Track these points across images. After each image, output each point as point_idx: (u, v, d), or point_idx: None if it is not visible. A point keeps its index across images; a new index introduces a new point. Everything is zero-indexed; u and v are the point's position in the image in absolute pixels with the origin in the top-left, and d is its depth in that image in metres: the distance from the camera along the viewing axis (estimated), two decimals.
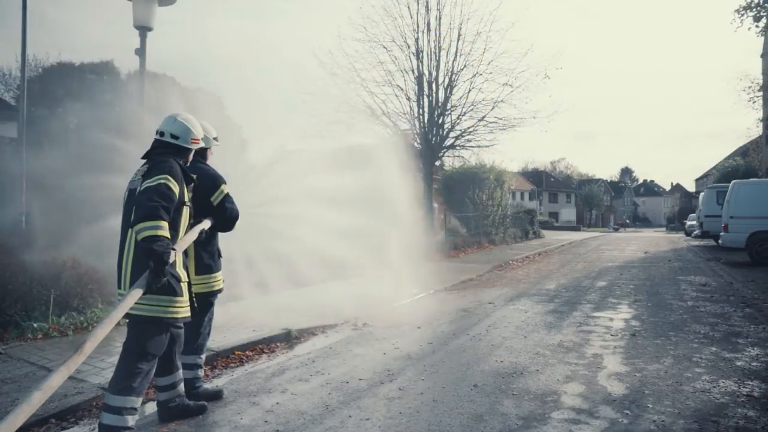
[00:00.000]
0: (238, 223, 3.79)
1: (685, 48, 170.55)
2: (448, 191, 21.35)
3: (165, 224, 2.95)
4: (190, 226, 3.37)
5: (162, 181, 3.04)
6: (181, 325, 3.29)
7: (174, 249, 3.01)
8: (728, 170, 30.49)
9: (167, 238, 2.94)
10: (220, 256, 3.87)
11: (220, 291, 3.88)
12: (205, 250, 3.70)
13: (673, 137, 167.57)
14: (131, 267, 3.08)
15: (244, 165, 7.21)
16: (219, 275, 3.84)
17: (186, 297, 3.24)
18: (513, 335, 5.89)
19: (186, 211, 3.28)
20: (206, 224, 3.51)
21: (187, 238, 3.27)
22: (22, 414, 2.09)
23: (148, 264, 2.88)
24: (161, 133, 3.40)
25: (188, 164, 3.50)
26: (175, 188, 3.10)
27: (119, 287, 3.17)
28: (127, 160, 5.68)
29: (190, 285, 3.33)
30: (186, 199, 3.27)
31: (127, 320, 3.09)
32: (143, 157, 3.39)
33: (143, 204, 2.94)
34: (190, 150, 3.49)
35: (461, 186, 20.91)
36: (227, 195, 3.68)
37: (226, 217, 3.66)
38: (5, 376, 4.15)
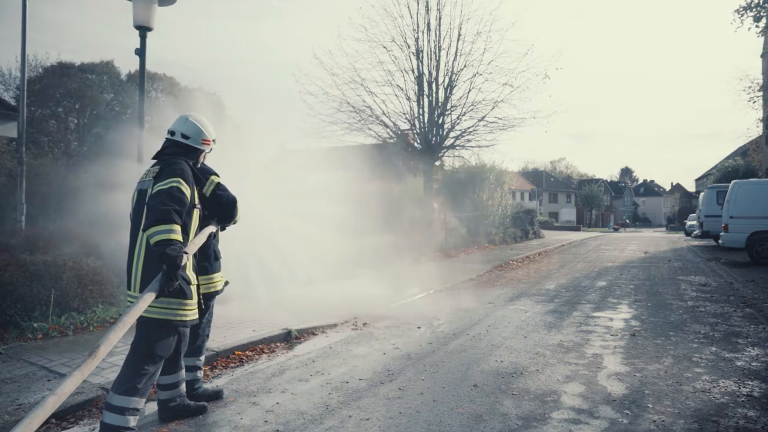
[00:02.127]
0: (241, 220, 3.77)
1: (685, 48, 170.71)
2: (448, 191, 21.36)
3: (177, 228, 2.95)
4: (200, 228, 3.36)
5: (174, 184, 3.03)
6: (188, 325, 3.30)
7: (186, 252, 3.01)
8: (728, 170, 30.47)
9: (180, 241, 2.93)
10: (216, 258, 3.82)
11: (217, 292, 3.86)
12: (199, 251, 3.67)
13: (673, 137, 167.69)
14: (142, 269, 3.08)
15: (243, 164, 7.20)
16: (216, 276, 3.81)
17: (195, 299, 3.25)
18: (513, 335, 5.90)
19: (196, 214, 3.28)
20: (215, 227, 3.52)
21: (196, 241, 3.27)
22: (37, 419, 2.09)
23: (161, 268, 2.87)
24: (172, 133, 3.40)
25: (198, 165, 3.50)
26: (187, 191, 3.10)
27: (129, 289, 3.17)
28: None
29: (198, 287, 3.34)
30: (197, 201, 3.27)
31: (136, 321, 3.09)
32: (154, 157, 3.39)
33: (155, 207, 2.93)
34: (200, 151, 3.49)
35: (461, 186, 20.92)
36: (218, 183, 3.61)
37: (222, 204, 3.57)
38: (5, 376, 4.15)
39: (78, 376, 2.31)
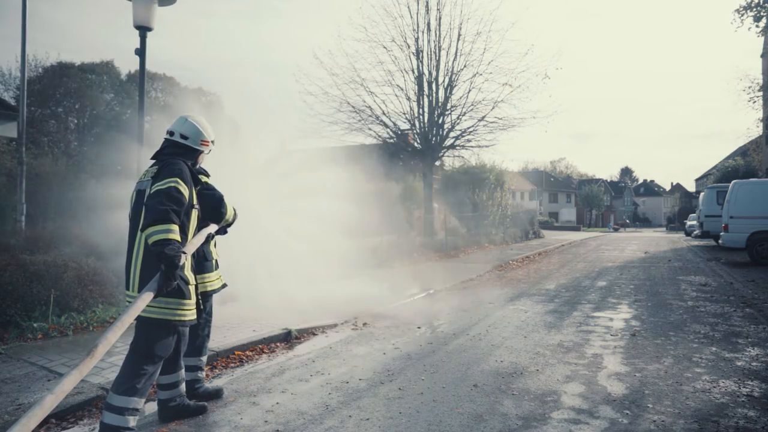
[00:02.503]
0: (239, 220, 3.77)
1: (685, 48, 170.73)
2: (448, 191, 21.37)
3: (176, 227, 2.95)
4: (198, 229, 3.36)
5: (172, 184, 3.03)
6: (187, 324, 3.30)
7: (184, 252, 3.01)
8: (728, 170, 30.51)
9: (178, 241, 2.94)
10: (206, 259, 3.75)
11: (206, 293, 3.81)
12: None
13: (673, 137, 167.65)
14: (140, 269, 3.08)
15: (243, 164, 7.20)
16: (209, 276, 3.77)
17: (193, 299, 3.25)
18: (513, 335, 5.89)
19: (195, 214, 3.28)
20: (213, 228, 3.52)
21: (195, 242, 3.27)
22: (35, 417, 2.09)
23: (160, 267, 2.88)
24: (171, 133, 3.41)
25: (197, 166, 3.50)
26: (185, 191, 3.10)
27: (127, 289, 3.17)
28: None
29: (197, 287, 3.34)
30: (195, 202, 3.26)
31: (135, 321, 3.09)
32: (152, 157, 3.39)
33: (154, 207, 2.93)
34: (199, 151, 3.49)
35: (461, 186, 20.93)
36: (204, 183, 3.56)
37: (211, 205, 3.52)
38: (5, 376, 4.15)
39: (76, 375, 2.31)
